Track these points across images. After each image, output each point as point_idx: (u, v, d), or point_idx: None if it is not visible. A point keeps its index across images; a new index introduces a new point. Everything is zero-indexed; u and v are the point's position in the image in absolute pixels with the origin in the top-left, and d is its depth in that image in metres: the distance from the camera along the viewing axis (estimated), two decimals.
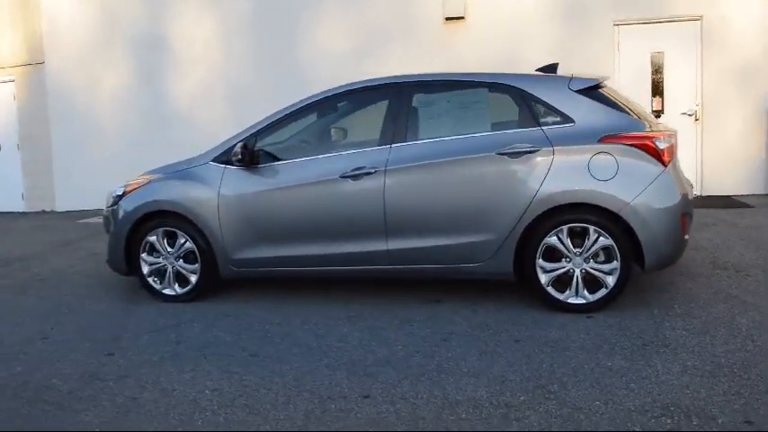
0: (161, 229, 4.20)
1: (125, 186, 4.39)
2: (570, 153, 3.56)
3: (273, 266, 4.07)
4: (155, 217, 4.22)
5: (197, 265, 4.18)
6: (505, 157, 3.63)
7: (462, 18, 8.62)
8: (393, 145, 3.83)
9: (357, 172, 3.82)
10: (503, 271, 3.73)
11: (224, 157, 4.12)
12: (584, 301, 3.62)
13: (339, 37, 8.98)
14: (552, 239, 3.60)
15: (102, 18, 9.47)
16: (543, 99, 3.69)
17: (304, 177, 3.95)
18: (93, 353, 3.37)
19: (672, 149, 3.61)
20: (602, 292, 3.60)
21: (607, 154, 3.52)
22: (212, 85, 9.39)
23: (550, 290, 3.65)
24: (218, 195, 4.07)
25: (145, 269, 4.28)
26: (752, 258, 4.60)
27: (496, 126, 3.80)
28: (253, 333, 3.57)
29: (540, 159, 3.58)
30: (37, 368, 3.17)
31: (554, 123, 3.66)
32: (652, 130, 3.61)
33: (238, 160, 3.94)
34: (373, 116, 4.18)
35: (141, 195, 4.25)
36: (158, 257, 4.25)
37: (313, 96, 4.12)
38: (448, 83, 4.02)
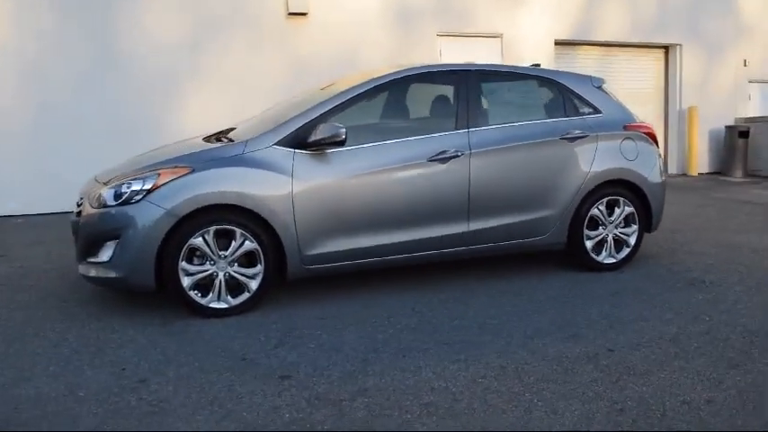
0: (212, 228, 3.43)
1: (147, 178, 3.40)
2: (608, 138, 4.32)
3: (351, 259, 3.75)
4: (196, 215, 3.42)
5: (259, 268, 3.55)
6: (566, 141, 4.18)
7: (305, 14, 8.63)
8: (470, 129, 3.99)
9: (443, 155, 3.86)
10: (559, 241, 4.27)
11: (292, 141, 3.61)
12: (615, 260, 4.42)
13: (172, 25, 8.03)
14: (595, 211, 4.31)
15: None
16: (579, 93, 4.37)
17: (389, 161, 3.76)
18: (264, 380, 2.68)
19: None
20: (625, 252, 4.45)
21: (630, 139, 4.40)
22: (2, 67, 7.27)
23: (592, 254, 4.36)
24: (291, 184, 3.55)
25: (185, 281, 3.42)
26: None
27: (549, 114, 4.31)
28: (389, 327, 3.31)
29: (590, 144, 4.25)
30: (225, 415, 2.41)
31: (588, 114, 4.37)
32: (643, 121, 4.64)
33: (338, 142, 3.53)
34: (427, 100, 4.23)
35: (188, 187, 3.37)
36: (203, 264, 3.46)
37: (378, 79, 3.93)
38: (507, 73, 4.34)
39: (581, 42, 10.21)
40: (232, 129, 4.58)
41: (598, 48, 10.38)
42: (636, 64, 10.65)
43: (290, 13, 8.55)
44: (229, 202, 3.43)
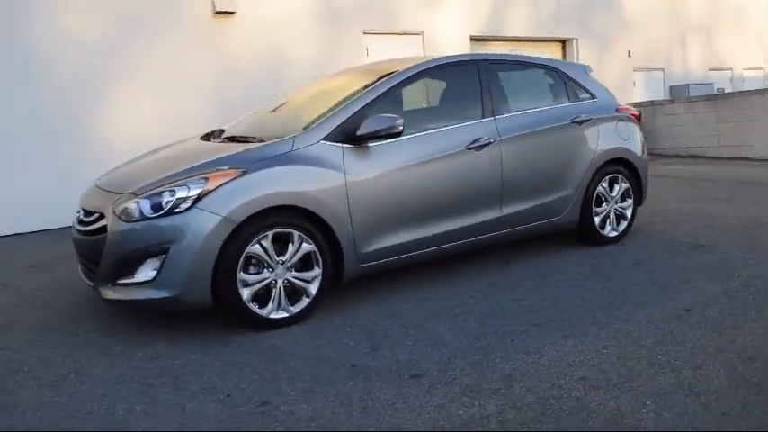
0: (270, 233, 3.14)
1: (190, 183, 3.03)
2: (606, 121, 4.59)
3: (403, 253, 3.63)
4: (251, 220, 3.11)
5: (317, 271, 3.31)
6: (576, 125, 4.38)
7: (232, 13, 8.20)
8: (496, 117, 4.03)
9: (478, 143, 3.87)
10: (572, 221, 4.45)
11: (339, 135, 3.41)
12: (616, 234, 4.71)
13: (90, 19, 7.20)
14: (600, 188, 4.56)
15: None
16: (577, 80, 4.60)
17: (433, 151, 3.70)
18: (398, 382, 2.51)
19: None
20: (623, 225, 4.76)
21: (622, 121, 4.71)
22: None
23: (599, 228, 4.61)
24: (345, 179, 3.36)
25: (245, 293, 3.11)
26: None
27: (556, 100, 4.47)
28: (467, 316, 3.26)
29: (593, 126, 4.48)
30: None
31: (586, 99, 4.61)
32: (627, 105, 4.99)
33: (394, 134, 3.39)
34: (449, 90, 4.20)
35: (243, 189, 3.06)
36: (260, 272, 3.16)
37: (405, 71, 3.82)
38: (518, 62, 4.44)
39: (493, 38, 10.73)
40: (222, 130, 4.28)
41: (508, 42, 10.97)
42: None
43: (217, 12, 8.08)
44: (286, 203, 3.17)
